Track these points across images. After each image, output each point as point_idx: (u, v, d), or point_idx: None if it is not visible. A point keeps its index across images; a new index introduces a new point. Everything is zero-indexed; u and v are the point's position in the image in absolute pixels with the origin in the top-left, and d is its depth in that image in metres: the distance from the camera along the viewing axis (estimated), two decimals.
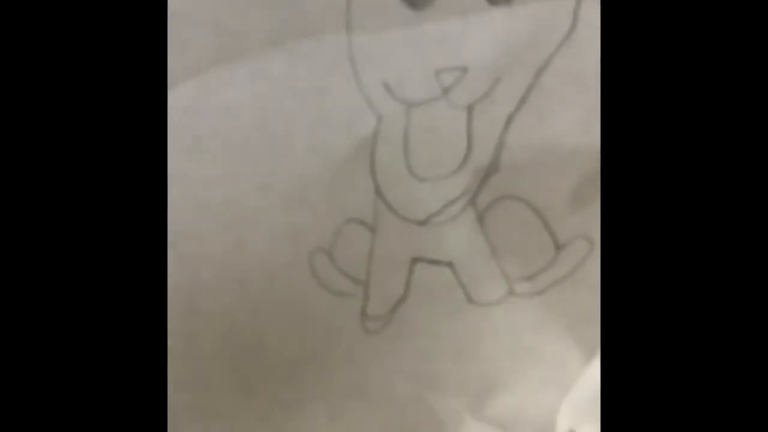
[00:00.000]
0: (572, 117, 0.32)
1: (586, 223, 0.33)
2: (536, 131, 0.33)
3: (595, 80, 0.32)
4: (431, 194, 0.34)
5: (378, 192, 0.34)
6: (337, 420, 0.35)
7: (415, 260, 0.34)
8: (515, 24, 0.33)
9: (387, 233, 0.34)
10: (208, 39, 0.33)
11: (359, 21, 0.34)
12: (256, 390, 0.35)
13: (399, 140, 0.34)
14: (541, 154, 0.33)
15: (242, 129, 0.34)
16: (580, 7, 0.32)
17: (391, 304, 0.34)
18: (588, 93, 0.32)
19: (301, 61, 0.34)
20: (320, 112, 0.33)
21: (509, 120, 0.33)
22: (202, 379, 0.35)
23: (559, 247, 0.33)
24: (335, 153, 0.34)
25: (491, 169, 0.33)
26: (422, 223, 0.34)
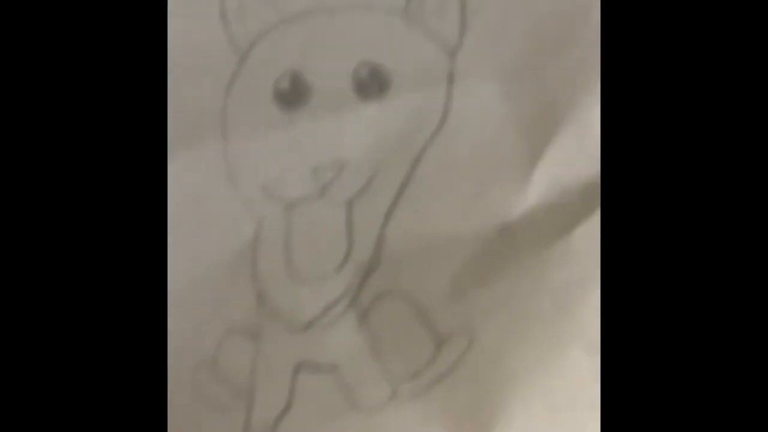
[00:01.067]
0: (449, 205, 0.32)
1: (466, 315, 0.32)
2: (415, 222, 0.32)
3: (470, 167, 0.31)
4: (313, 297, 0.33)
5: (260, 299, 0.33)
6: None
7: (299, 367, 0.33)
8: (388, 117, 0.33)
9: (270, 341, 0.33)
10: None
11: (234, 126, 0.34)
12: None
13: (279, 243, 0.33)
14: (420, 245, 0.32)
15: None
16: (451, 97, 0.32)
17: (275, 416, 0.33)
18: (463, 180, 0.32)
19: (179, 170, 0.33)
20: (200, 220, 0.32)
21: (388, 213, 0.33)
22: None
23: (439, 341, 0.32)
24: (216, 261, 0.33)
25: (372, 265, 0.33)
26: (305, 328, 0.33)
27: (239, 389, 0.33)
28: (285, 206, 0.33)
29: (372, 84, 0.33)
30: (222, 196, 0.33)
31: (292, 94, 0.34)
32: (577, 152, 0.31)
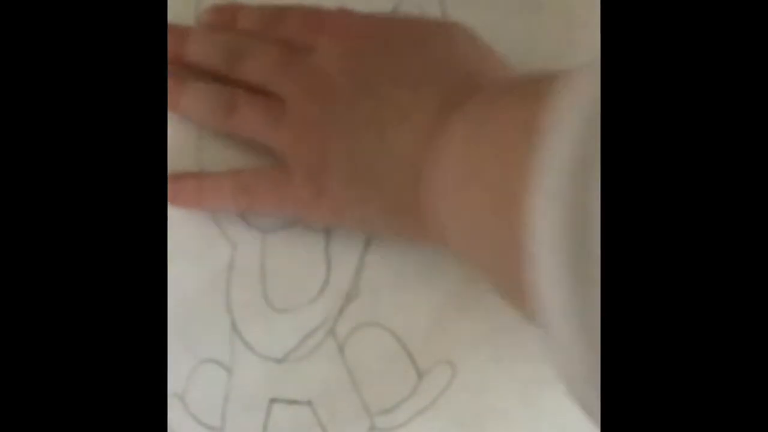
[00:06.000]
0: None
1: (448, 348, 0.31)
2: (396, 249, 0.31)
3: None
4: (290, 327, 0.32)
5: (234, 328, 0.32)
6: None
7: (273, 401, 0.31)
8: None
9: (244, 373, 0.31)
10: None
11: (210, 151, 0.32)
12: None
13: (255, 269, 0.32)
14: (401, 274, 0.31)
15: None
16: None
17: None
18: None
19: None
20: (174, 244, 0.31)
21: (368, 240, 0.32)
22: None
23: (420, 374, 0.31)
24: (189, 287, 0.32)
25: (351, 294, 0.32)
26: (281, 360, 0.31)
27: (211, 423, 0.31)
28: (262, 232, 0.32)
29: None
30: (197, 220, 0.32)
31: None
32: None
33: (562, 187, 0.20)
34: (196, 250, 0.32)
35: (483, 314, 0.31)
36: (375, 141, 0.29)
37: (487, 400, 0.30)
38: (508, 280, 0.24)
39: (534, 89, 0.24)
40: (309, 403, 0.31)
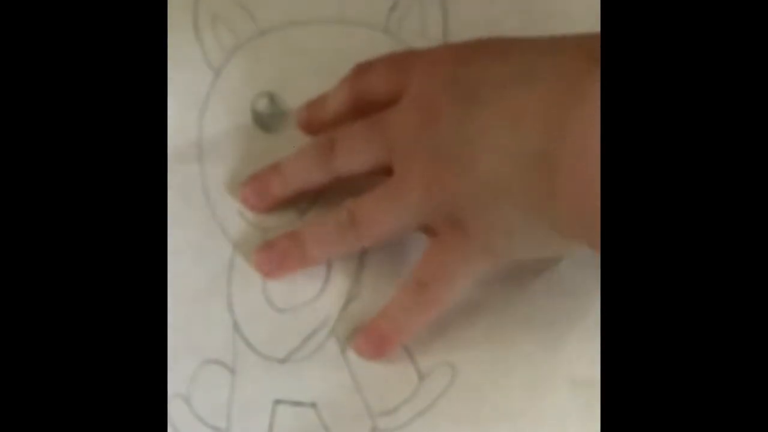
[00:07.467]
0: None
1: (449, 349, 0.31)
2: (396, 249, 0.31)
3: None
4: (292, 326, 0.31)
5: (236, 328, 0.31)
6: None
7: (278, 403, 0.31)
8: None
9: (247, 374, 0.31)
10: None
11: (212, 149, 0.32)
12: None
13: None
14: (401, 274, 0.31)
15: None
16: None
17: None
18: None
19: None
20: (174, 244, 0.30)
21: None
22: None
23: (422, 376, 0.31)
24: (190, 287, 0.32)
25: (352, 294, 0.31)
26: (283, 360, 0.31)
27: (216, 424, 0.31)
28: (262, 231, 0.32)
29: None
30: (198, 219, 0.32)
31: (270, 117, 0.32)
32: None
33: None
34: (199, 250, 0.32)
35: (483, 315, 0.31)
36: (496, 150, 0.28)
37: (488, 401, 0.30)
38: None
39: None
40: (313, 405, 0.31)
